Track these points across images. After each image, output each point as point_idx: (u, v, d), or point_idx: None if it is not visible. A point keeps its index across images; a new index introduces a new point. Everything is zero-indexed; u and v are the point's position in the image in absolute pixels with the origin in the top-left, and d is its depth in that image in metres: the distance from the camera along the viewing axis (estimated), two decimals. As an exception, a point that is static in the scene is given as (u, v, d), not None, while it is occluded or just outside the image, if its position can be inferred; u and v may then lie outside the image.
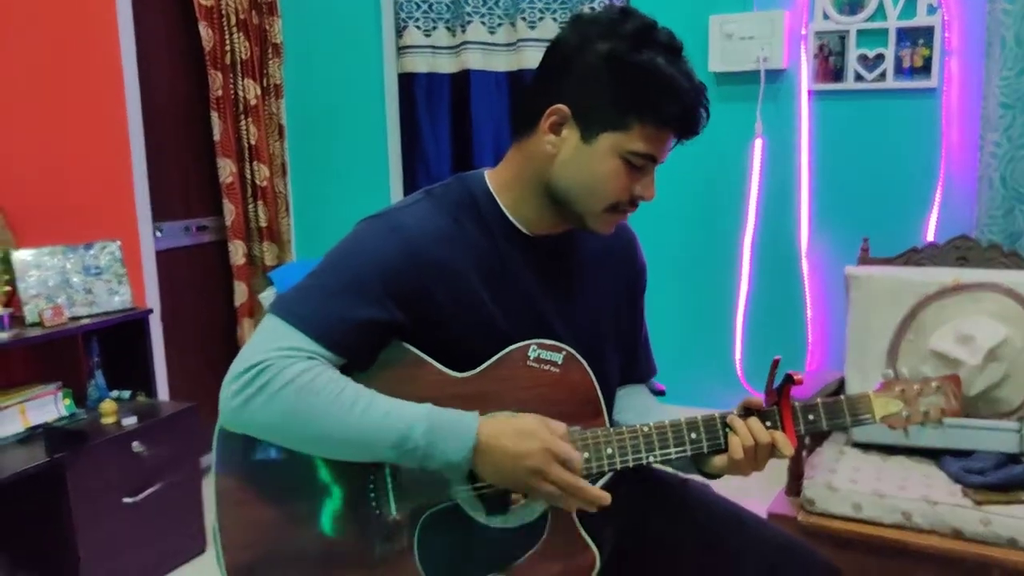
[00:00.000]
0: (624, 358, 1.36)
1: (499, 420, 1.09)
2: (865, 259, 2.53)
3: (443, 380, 1.15)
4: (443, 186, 1.22)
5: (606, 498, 1.08)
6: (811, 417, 1.21)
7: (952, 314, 2.26)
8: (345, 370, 1.10)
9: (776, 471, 2.14)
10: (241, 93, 3.39)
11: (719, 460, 1.19)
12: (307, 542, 1.11)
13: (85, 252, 2.58)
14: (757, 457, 1.17)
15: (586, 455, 1.15)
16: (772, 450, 1.17)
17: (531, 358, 1.18)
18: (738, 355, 3.02)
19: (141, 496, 2.41)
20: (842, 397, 1.22)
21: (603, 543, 1.18)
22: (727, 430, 1.18)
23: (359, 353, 1.11)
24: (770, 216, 2.92)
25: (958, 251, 2.41)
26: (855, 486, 2.02)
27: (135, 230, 2.95)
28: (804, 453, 2.19)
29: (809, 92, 2.80)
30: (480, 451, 1.06)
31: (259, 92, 3.46)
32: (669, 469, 1.35)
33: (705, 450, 1.19)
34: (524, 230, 1.20)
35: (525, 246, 1.20)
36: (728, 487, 1.36)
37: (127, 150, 2.93)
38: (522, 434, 1.07)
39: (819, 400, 1.22)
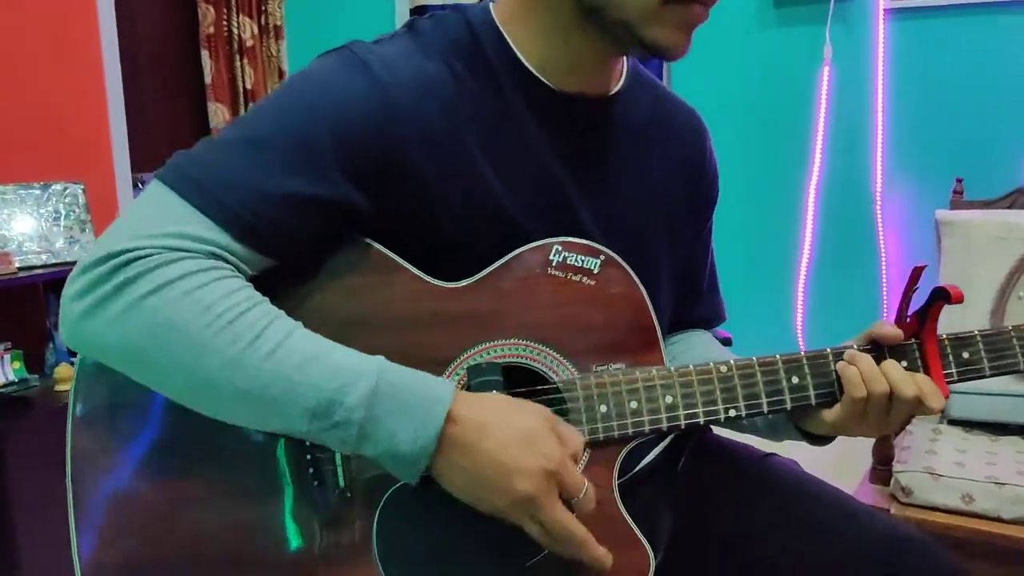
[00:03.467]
0: (680, 291, 0.99)
1: (489, 403, 0.71)
2: (959, 203, 2.19)
3: (424, 292, 0.78)
4: (434, 19, 0.84)
5: (609, 560, 0.71)
6: (966, 355, 0.84)
7: (1074, 263, 1.86)
8: (273, 280, 0.73)
9: (852, 451, 1.78)
10: (236, 31, 3.06)
11: (831, 415, 0.82)
12: (208, 531, 0.73)
13: (42, 193, 2.23)
14: (891, 412, 0.80)
15: (634, 405, 0.78)
16: (914, 404, 0.79)
17: (554, 264, 0.80)
18: (799, 319, 2.65)
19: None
20: (1009, 327, 0.85)
21: (658, 536, 0.81)
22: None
23: (289, 249, 0.74)
24: (839, 156, 2.56)
25: (1077, 189, 2.01)
26: (963, 471, 1.63)
27: (111, 177, 2.62)
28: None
29: (886, 11, 2.43)
30: (451, 444, 0.68)
31: (256, 31, 3.13)
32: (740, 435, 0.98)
33: (812, 401, 0.81)
34: (545, 81, 0.83)
35: (547, 104, 0.83)
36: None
37: (101, 86, 2.59)
38: (525, 439, 0.69)
39: (976, 331, 0.84)
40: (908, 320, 0.83)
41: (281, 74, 3.24)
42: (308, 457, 0.74)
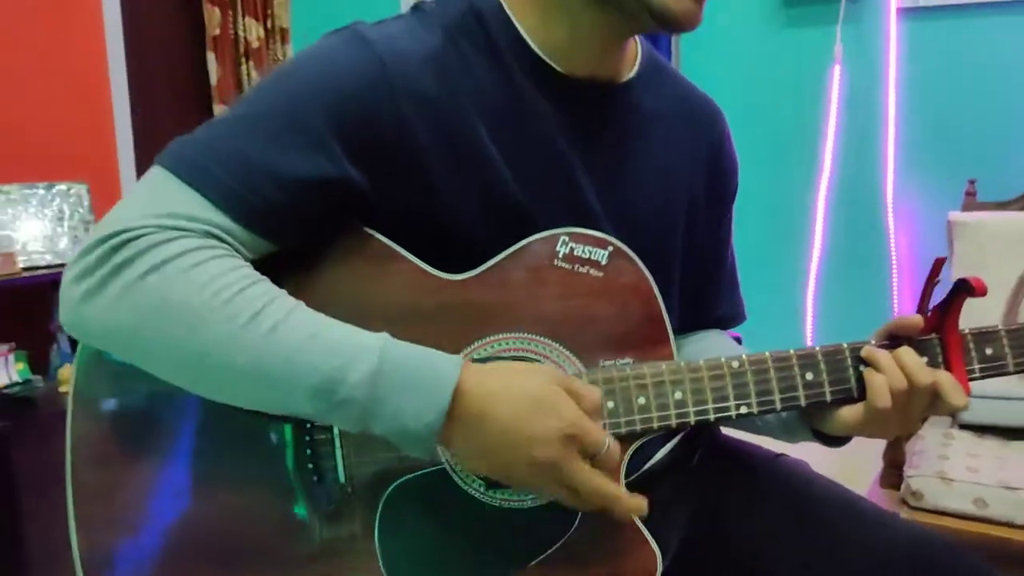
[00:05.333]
0: (698, 288, 0.97)
1: (496, 372, 0.69)
2: (972, 204, 2.16)
3: (427, 284, 0.76)
4: (439, 1, 0.82)
5: (643, 508, 0.70)
6: (989, 351, 0.80)
7: (1090, 266, 1.83)
8: (270, 269, 0.71)
9: (861, 455, 1.74)
10: (242, 33, 3.05)
11: (849, 413, 0.79)
12: (208, 524, 0.72)
13: (46, 193, 2.22)
14: (909, 408, 0.76)
15: (641, 400, 0.76)
16: (934, 399, 0.76)
17: (561, 255, 0.78)
18: (808, 323, 2.60)
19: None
20: (1036, 322, 0.82)
21: (669, 538, 0.78)
22: (861, 368, 0.77)
23: (288, 232, 0.72)
24: (850, 157, 2.51)
25: (1092, 191, 1.98)
26: (976, 476, 1.60)
27: (116, 178, 2.61)
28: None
29: (899, 10, 2.38)
30: (460, 419, 0.66)
31: (262, 34, 3.12)
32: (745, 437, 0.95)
33: (827, 397, 0.78)
34: (554, 65, 0.81)
35: (556, 88, 0.81)
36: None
37: (106, 86, 2.58)
38: (536, 404, 0.67)
39: (1000, 327, 0.81)
40: (929, 314, 0.81)
41: (288, 76, 3.24)
42: (308, 452, 0.72)
